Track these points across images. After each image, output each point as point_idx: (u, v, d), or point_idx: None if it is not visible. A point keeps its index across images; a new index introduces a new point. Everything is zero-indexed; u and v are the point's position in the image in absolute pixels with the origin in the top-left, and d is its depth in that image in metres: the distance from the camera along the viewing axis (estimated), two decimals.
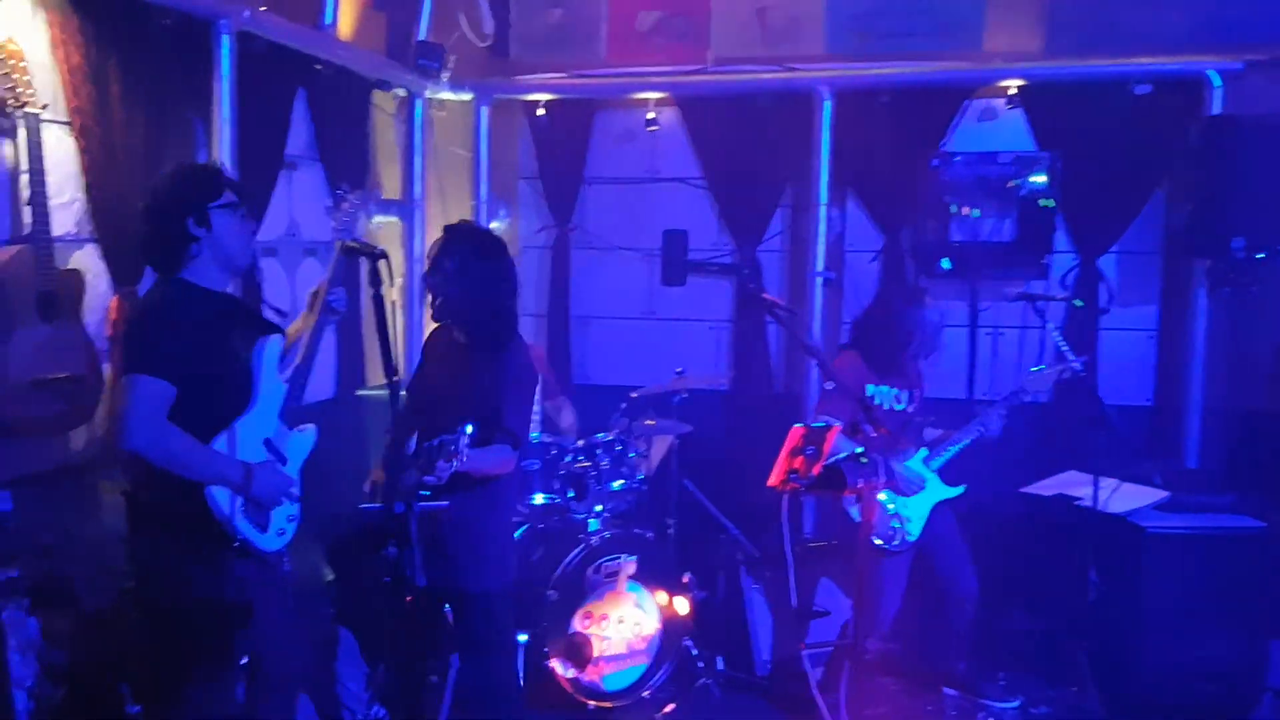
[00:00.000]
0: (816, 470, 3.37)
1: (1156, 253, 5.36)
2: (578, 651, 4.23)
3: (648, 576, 4.43)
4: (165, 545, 2.92)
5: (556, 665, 4.21)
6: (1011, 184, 5.07)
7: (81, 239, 3.64)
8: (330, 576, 4.37)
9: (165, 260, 2.96)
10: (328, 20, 4.81)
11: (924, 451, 4.25)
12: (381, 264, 2.63)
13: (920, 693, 4.42)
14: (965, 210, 5.09)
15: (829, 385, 3.60)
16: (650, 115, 5.54)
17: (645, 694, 4.43)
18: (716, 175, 5.76)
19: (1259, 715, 4.22)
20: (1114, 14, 5.10)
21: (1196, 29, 4.98)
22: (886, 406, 4.21)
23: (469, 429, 2.76)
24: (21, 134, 3.21)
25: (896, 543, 4.15)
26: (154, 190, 2.98)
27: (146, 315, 2.92)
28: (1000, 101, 5.33)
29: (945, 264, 5.12)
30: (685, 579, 4.62)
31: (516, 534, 4.21)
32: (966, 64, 5.31)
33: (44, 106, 3.25)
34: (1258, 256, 4.60)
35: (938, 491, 4.25)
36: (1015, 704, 4.42)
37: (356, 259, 3.08)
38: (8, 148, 3.30)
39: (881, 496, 4.07)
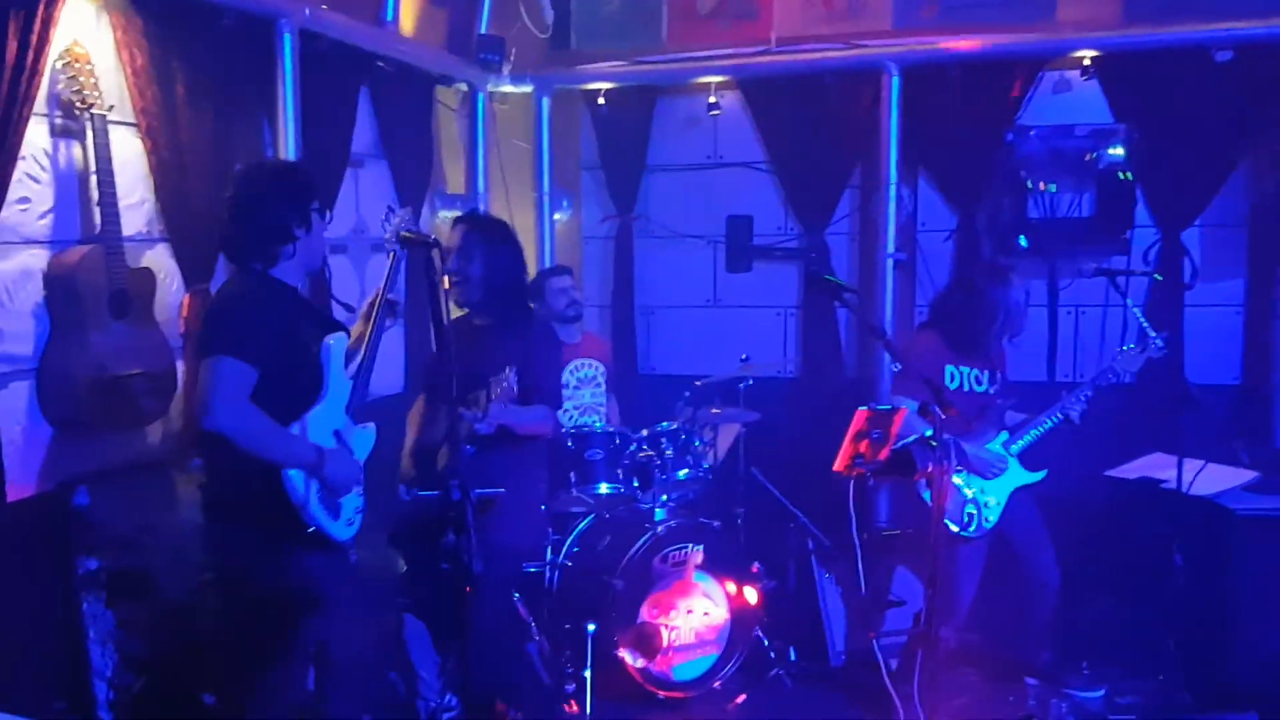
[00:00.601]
0: (884, 454, 3.30)
1: (1242, 226, 5.13)
2: (646, 641, 4.20)
3: (715, 566, 4.39)
4: (240, 533, 2.98)
5: (625, 655, 4.19)
6: (1089, 157, 4.90)
7: (152, 239, 3.72)
8: (402, 567, 4.43)
9: (259, 256, 3.00)
10: (389, 17, 4.85)
11: (1004, 435, 4.13)
12: (435, 254, 2.62)
13: (1000, 682, 4.30)
14: (1042, 186, 4.93)
15: (896, 367, 3.51)
16: (712, 99, 5.47)
17: (716, 684, 4.39)
18: (781, 158, 5.66)
19: None
20: None
21: None
22: (966, 388, 4.09)
23: (510, 370, 3.08)
24: (89, 136, 3.28)
25: (973, 529, 4.04)
26: (249, 185, 3.03)
27: (230, 302, 2.97)
28: (1075, 73, 5.14)
29: (1022, 241, 4.97)
30: (754, 568, 4.57)
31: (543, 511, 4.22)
32: (1039, 35, 5.13)
33: (110, 108, 3.32)
34: None
35: (1018, 476, 4.13)
36: (1099, 693, 4.28)
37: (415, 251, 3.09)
38: (76, 150, 3.38)
39: (958, 481, 3.96)
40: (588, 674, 4.06)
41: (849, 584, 4.70)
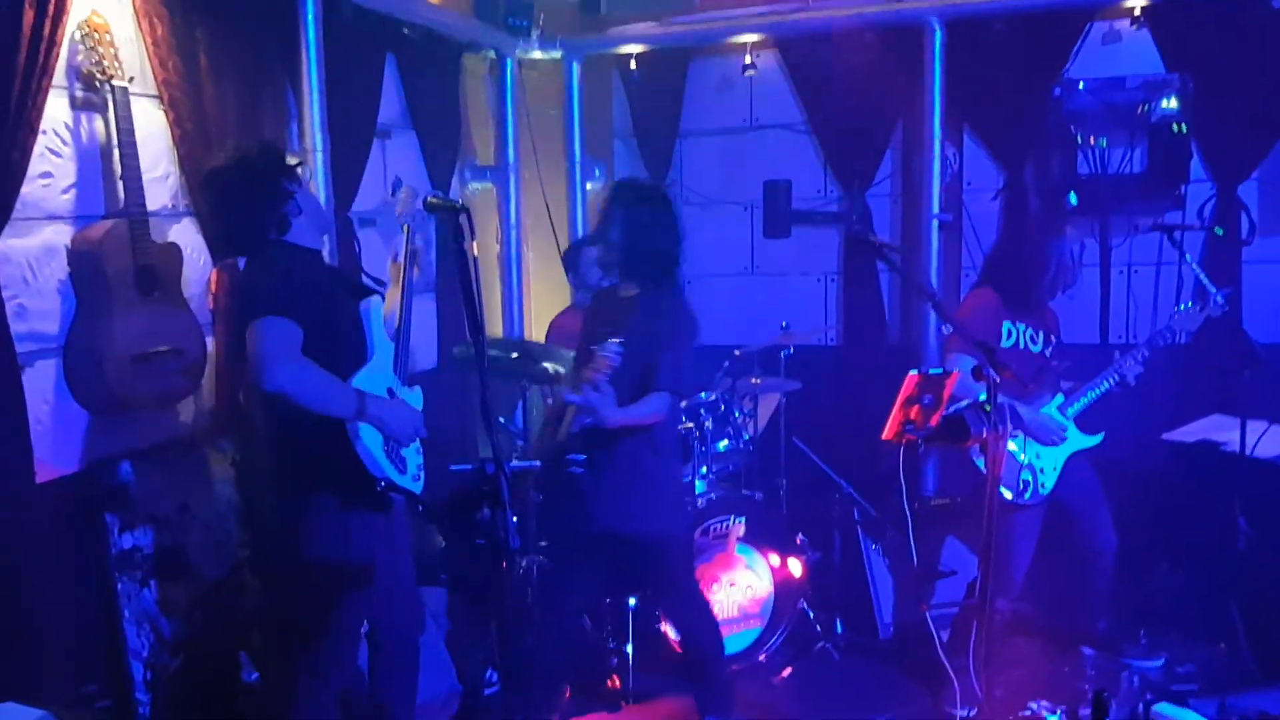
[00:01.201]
0: (935, 420, 3.17)
1: None
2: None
3: (758, 538, 4.30)
4: (307, 501, 2.90)
5: (668, 629, 4.11)
6: (1141, 110, 4.69)
7: (178, 213, 3.66)
8: (441, 543, 4.37)
9: (276, 225, 2.93)
10: None
11: (1060, 398, 3.98)
12: (462, 219, 2.52)
13: (1056, 653, 4.17)
14: (1092, 140, 4.73)
15: (947, 329, 3.36)
16: (747, 60, 5.31)
17: (761, 658, 4.31)
18: (820, 119, 5.50)
19: None
20: None
21: None
22: (1021, 345, 3.95)
23: (616, 341, 3.02)
24: (111, 108, 3.21)
25: (1028, 495, 3.90)
26: (230, 171, 2.91)
27: (261, 269, 2.90)
28: (1125, 22, 4.93)
29: (1072, 199, 4.77)
30: (798, 540, 4.48)
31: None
32: None
33: (131, 79, 3.24)
34: None
35: (1075, 441, 3.98)
36: (1159, 663, 4.15)
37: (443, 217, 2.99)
38: (98, 123, 3.31)
39: (1012, 446, 3.82)
40: (629, 648, 4.00)
41: (897, 555, 4.60)
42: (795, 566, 4.36)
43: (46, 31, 2.96)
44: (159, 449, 3.56)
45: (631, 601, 3.97)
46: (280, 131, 4.11)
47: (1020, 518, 3.93)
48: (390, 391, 3.05)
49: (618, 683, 4.05)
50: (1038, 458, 3.93)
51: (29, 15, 2.92)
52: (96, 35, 3.16)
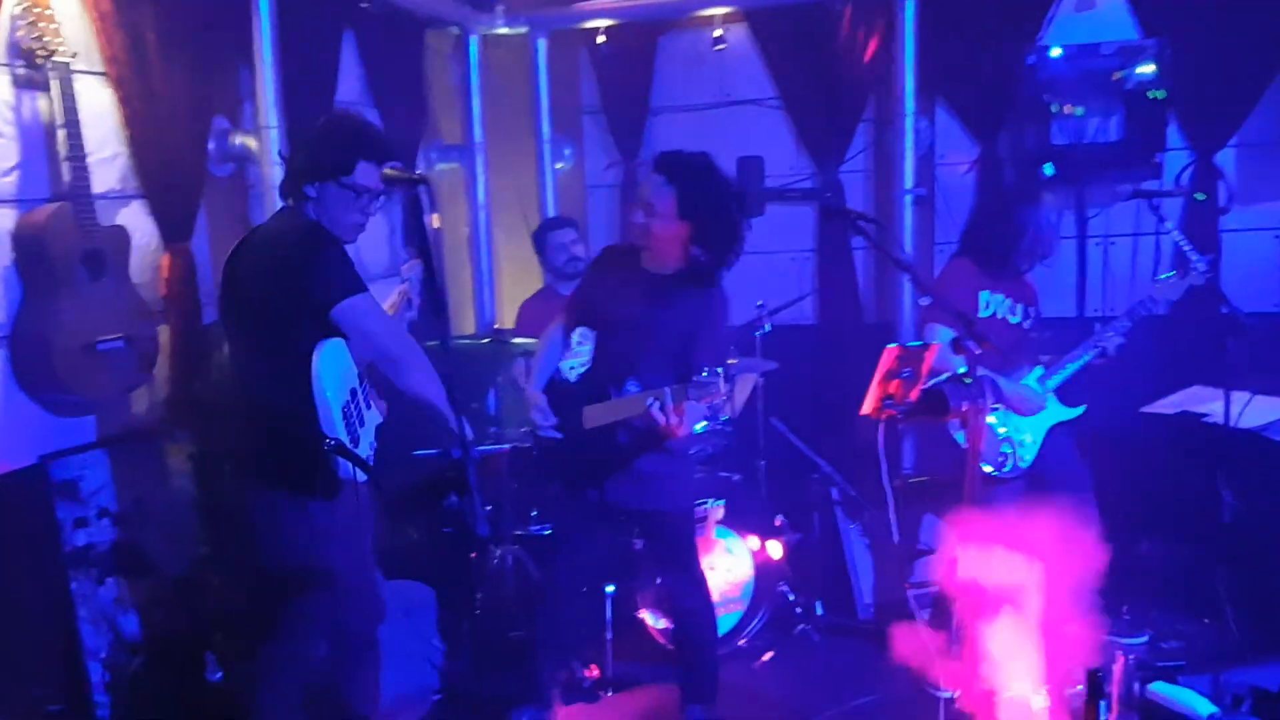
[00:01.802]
0: (915, 394, 3.09)
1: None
2: (667, 601, 4.02)
3: (737, 521, 4.23)
4: (266, 481, 2.82)
5: (647, 616, 4.04)
6: (1116, 77, 4.61)
7: (127, 195, 3.53)
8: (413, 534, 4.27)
9: (291, 191, 2.85)
10: None
11: (1039, 370, 3.91)
12: (422, 191, 2.41)
13: (1041, 630, 4.11)
14: (1067, 109, 4.65)
15: (924, 301, 3.28)
16: (717, 33, 5.20)
17: (741, 642, 4.24)
18: (792, 93, 5.40)
19: None
20: None
21: None
22: (1000, 317, 3.88)
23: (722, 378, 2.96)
24: (54, 86, 3.07)
25: (1008, 468, 3.83)
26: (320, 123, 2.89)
27: (308, 241, 2.74)
28: None
29: (1048, 169, 4.69)
30: (778, 522, 4.40)
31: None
32: None
33: (75, 56, 3.11)
34: None
35: (1055, 413, 3.92)
36: (1144, 638, 4.10)
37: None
38: (42, 102, 3.18)
39: (991, 420, 3.75)
40: (608, 636, 3.91)
41: (876, 534, 4.53)
42: (775, 549, 4.29)
43: None
44: (112, 441, 3.44)
45: (610, 589, 3.88)
46: (234, 111, 3.99)
47: (1000, 492, 3.86)
48: (353, 392, 2.89)
49: (597, 672, 3.96)
50: (1017, 430, 3.86)
51: None
52: (37, 9, 3.02)
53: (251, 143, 3.90)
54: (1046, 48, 4.75)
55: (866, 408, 3.11)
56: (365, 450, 2.91)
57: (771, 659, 4.20)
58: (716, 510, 4.16)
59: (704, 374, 3.04)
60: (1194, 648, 4.04)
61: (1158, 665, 3.85)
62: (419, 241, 2.39)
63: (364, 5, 4.51)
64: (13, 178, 3.11)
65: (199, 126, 3.70)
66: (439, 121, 5.40)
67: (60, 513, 3.21)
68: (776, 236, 5.59)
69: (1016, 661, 3.60)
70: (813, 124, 5.39)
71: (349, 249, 2.79)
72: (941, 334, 3.57)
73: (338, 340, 2.77)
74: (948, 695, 3.54)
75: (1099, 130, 4.70)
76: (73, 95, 3.08)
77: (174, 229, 3.59)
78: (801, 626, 4.35)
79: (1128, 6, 4.83)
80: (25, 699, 3.00)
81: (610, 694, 3.91)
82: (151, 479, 3.54)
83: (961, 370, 3.05)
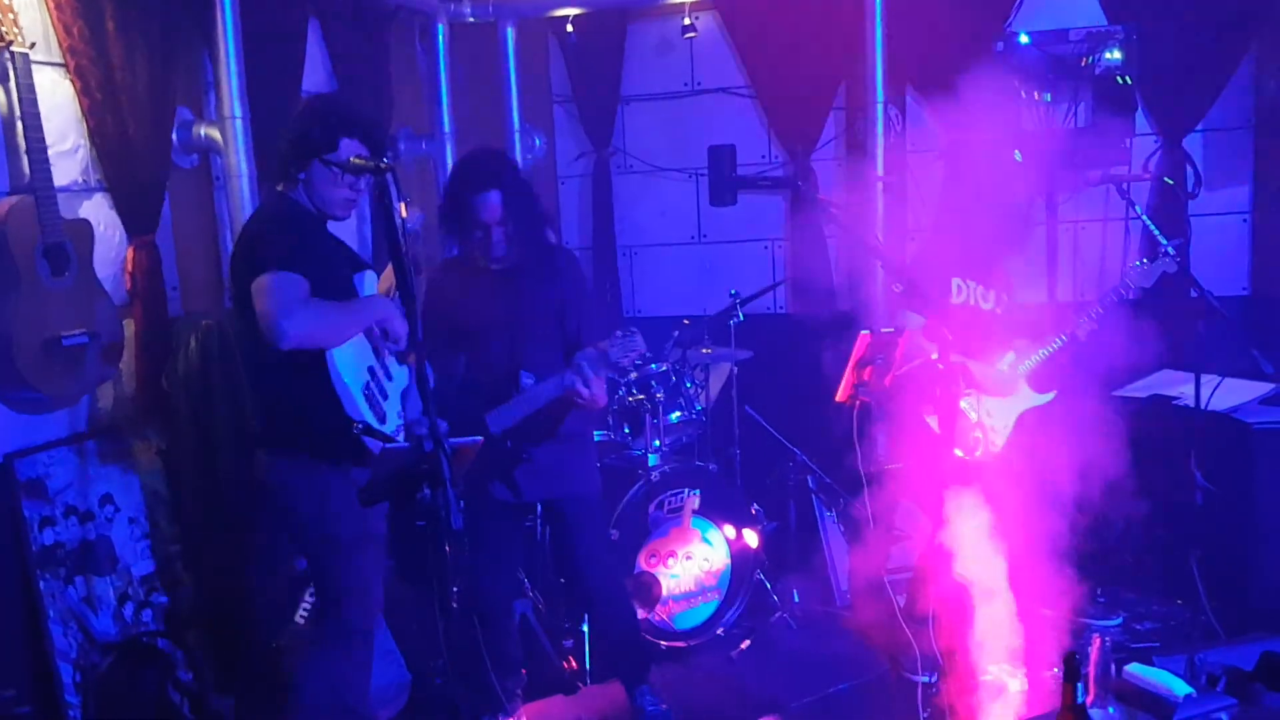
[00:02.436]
0: (889, 381, 3.09)
1: (1247, 128, 4.92)
2: (645, 591, 4.02)
3: (713, 510, 4.21)
4: (286, 459, 2.88)
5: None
6: (1085, 63, 4.62)
7: (89, 188, 3.46)
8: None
9: (280, 175, 2.92)
10: None
11: (1010, 355, 3.92)
12: (389, 179, 2.37)
13: (1015, 614, 4.13)
14: (1036, 95, 4.66)
15: (898, 288, 3.27)
16: (687, 21, 5.17)
17: (719, 631, 4.23)
18: (762, 81, 5.39)
19: None
20: None
21: None
22: (972, 302, 3.88)
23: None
24: (11, 76, 3.00)
25: (979, 453, 3.84)
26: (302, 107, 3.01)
27: (263, 222, 2.89)
28: None
29: (1017, 156, 4.70)
30: (754, 510, 4.39)
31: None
32: None
33: (32, 45, 3.04)
34: None
35: (1026, 398, 3.93)
36: (1117, 621, 4.14)
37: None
38: None
39: (963, 405, 3.76)
40: (585, 628, 3.89)
41: (851, 521, 4.53)
42: (751, 537, 4.28)
43: None
44: (79, 438, 3.38)
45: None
46: (198, 101, 3.92)
47: (973, 475, 3.86)
48: (371, 370, 2.94)
49: (574, 664, 3.95)
50: (989, 415, 3.87)
51: None
52: None
53: (216, 133, 3.84)
54: (1015, 34, 4.76)
55: (841, 395, 3.11)
56: (393, 420, 2.99)
57: (749, 647, 4.20)
58: (693, 499, 4.14)
59: (619, 335, 3.16)
60: (1168, 629, 4.09)
61: (1132, 646, 3.91)
62: (388, 231, 2.35)
63: None
64: None
65: (162, 117, 3.63)
66: (406, 110, 5.34)
67: (27, 511, 3.15)
68: (749, 225, 5.59)
69: (993, 645, 3.62)
70: (784, 112, 5.39)
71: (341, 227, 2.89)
72: (914, 320, 3.57)
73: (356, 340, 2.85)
74: (925, 680, 3.55)
75: (1068, 116, 4.72)
76: (31, 86, 3.01)
77: (138, 222, 3.53)
78: (779, 614, 4.35)
79: None
80: None
81: (588, 685, 3.89)
82: (119, 476, 3.49)
83: (935, 356, 3.05)
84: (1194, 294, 3.88)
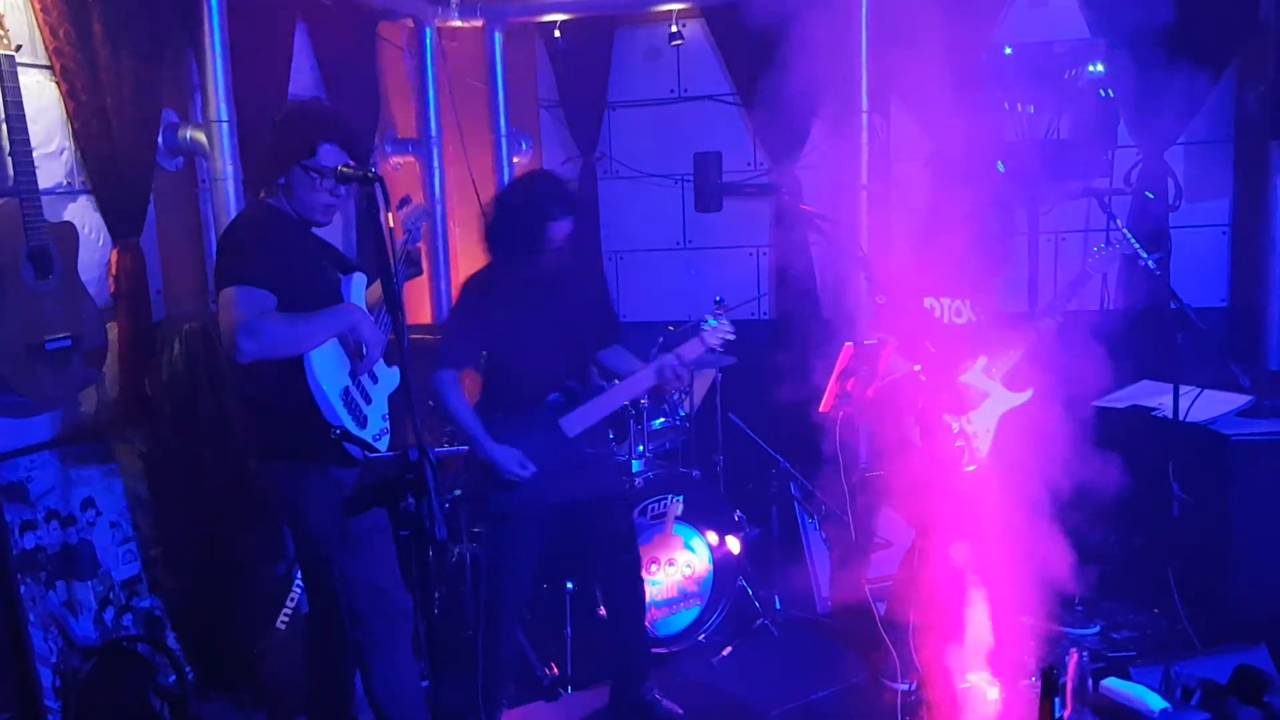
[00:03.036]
0: (871, 392, 3.11)
1: (1227, 141, 4.97)
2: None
3: (697, 516, 4.22)
4: (267, 465, 2.91)
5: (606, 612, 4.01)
6: (1068, 75, 4.67)
7: (74, 190, 3.45)
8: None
9: (260, 182, 2.96)
10: None
11: (983, 360, 3.95)
12: (376, 189, 2.37)
13: (994, 622, 4.16)
14: (1019, 107, 4.70)
15: (881, 300, 3.30)
16: (674, 29, 5.19)
17: (701, 637, 4.24)
18: (748, 89, 5.40)
19: None
20: None
21: None
22: (946, 319, 3.90)
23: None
24: None
25: (965, 461, 3.86)
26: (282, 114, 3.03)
27: (232, 233, 2.92)
28: None
29: (1000, 167, 4.74)
30: (736, 517, 4.41)
31: None
32: None
33: (18, 48, 3.02)
34: None
35: (1003, 400, 3.95)
36: (1095, 629, 4.17)
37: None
38: None
39: (946, 416, 3.78)
40: (568, 632, 3.90)
41: (834, 529, 4.55)
42: (734, 544, 4.29)
43: None
44: (60, 442, 3.36)
45: (569, 585, 3.88)
46: (183, 104, 3.91)
47: (956, 484, 3.88)
48: (352, 374, 2.96)
49: (555, 669, 3.96)
50: (969, 423, 3.89)
51: None
52: None
53: (201, 136, 3.83)
54: (999, 46, 4.80)
55: (824, 405, 3.13)
56: (378, 423, 3.01)
57: (730, 654, 4.21)
58: (676, 506, 4.16)
59: (708, 320, 3.44)
60: (1145, 638, 4.12)
61: (1109, 656, 3.94)
62: (375, 240, 2.35)
63: None
64: None
65: (148, 120, 3.62)
66: (393, 114, 5.34)
67: (8, 515, 3.14)
68: (735, 231, 5.61)
69: (972, 653, 3.65)
70: (769, 120, 5.38)
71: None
72: (893, 337, 3.58)
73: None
74: (905, 687, 3.58)
75: (1051, 127, 4.76)
76: (17, 89, 2.99)
77: (123, 225, 3.52)
78: (760, 621, 4.36)
79: (1079, 5, 4.88)
80: None
81: (570, 691, 3.90)
82: (101, 480, 3.48)
83: (916, 367, 3.07)
84: (1173, 305, 3.91)
